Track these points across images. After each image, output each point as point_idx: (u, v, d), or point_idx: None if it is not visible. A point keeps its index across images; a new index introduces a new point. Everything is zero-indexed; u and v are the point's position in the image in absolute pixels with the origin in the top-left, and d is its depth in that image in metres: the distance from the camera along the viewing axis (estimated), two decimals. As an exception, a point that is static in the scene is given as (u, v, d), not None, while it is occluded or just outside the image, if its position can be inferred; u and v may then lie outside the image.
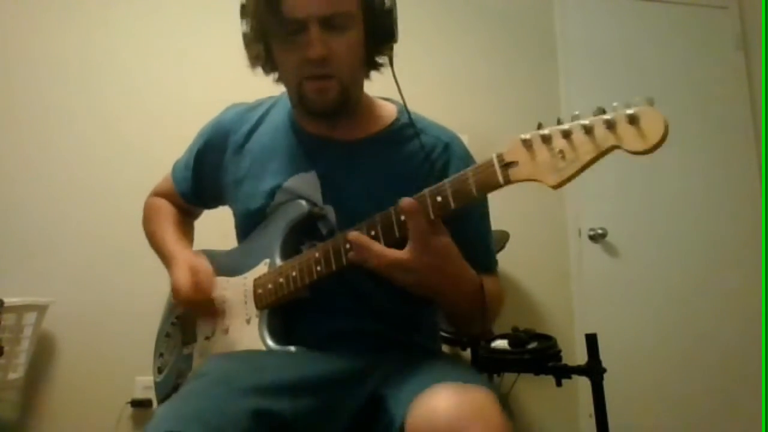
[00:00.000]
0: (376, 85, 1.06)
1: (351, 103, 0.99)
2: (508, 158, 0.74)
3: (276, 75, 1.03)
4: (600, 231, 2.57)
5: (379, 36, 0.96)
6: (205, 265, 1.05)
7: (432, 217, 0.81)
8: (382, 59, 1.00)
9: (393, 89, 1.01)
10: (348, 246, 0.87)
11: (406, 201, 0.81)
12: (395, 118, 1.06)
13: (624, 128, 0.65)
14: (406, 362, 0.89)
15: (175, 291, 1.05)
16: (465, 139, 1.14)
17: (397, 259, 0.82)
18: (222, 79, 2.25)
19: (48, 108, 2.20)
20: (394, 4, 0.96)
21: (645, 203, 2.62)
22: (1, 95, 2.17)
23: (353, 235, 0.85)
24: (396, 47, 0.98)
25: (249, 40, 0.98)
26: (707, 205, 2.71)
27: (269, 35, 0.95)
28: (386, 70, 1.02)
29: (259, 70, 1.02)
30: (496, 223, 1.13)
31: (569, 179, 0.70)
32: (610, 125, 0.65)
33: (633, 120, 0.64)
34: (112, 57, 2.27)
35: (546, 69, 2.71)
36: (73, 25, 2.26)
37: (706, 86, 2.80)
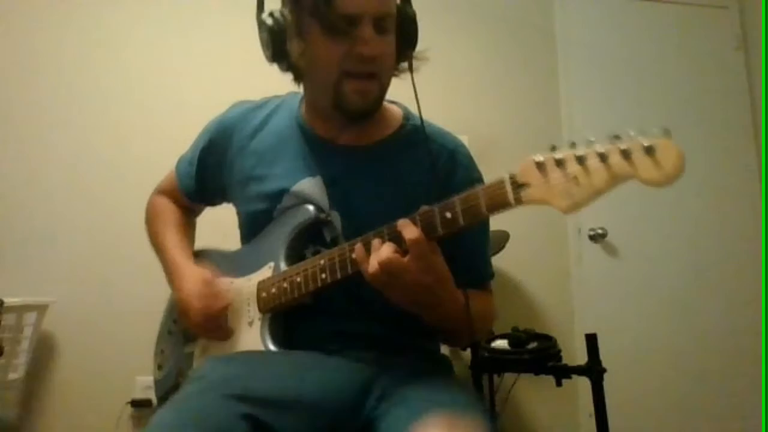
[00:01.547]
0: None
1: (380, 106, 1.00)
2: (520, 179, 0.73)
3: (291, 74, 1.02)
4: (600, 231, 2.57)
5: (406, 41, 0.97)
6: (213, 278, 1.04)
7: (440, 232, 0.80)
8: (403, 65, 1.00)
9: (389, 88, 1.01)
10: (354, 256, 0.87)
11: (408, 228, 0.81)
12: (401, 123, 1.05)
13: (640, 159, 0.64)
14: (403, 379, 0.88)
15: (185, 310, 1.04)
16: (465, 139, 1.14)
17: (393, 259, 0.80)
18: (223, 78, 2.26)
19: (48, 108, 2.20)
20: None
21: (645, 203, 2.62)
22: (1, 95, 2.17)
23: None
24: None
25: (282, 34, 0.95)
26: (707, 205, 2.71)
27: (309, 29, 0.93)
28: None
29: (263, 67, 1.01)
30: (496, 223, 1.13)
31: (582, 205, 0.69)
32: (626, 155, 0.64)
33: (649, 151, 0.63)
34: (113, 57, 2.27)
35: (546, 69, 2.71)
36: (73, 25, 2.26)
37: (706, 86, 2.81)
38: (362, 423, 0.85)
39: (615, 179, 0.66)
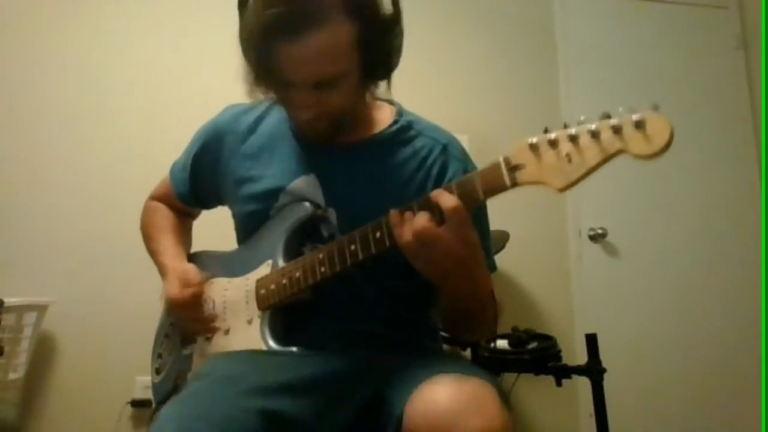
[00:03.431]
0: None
1: (347, 125, 0.99)
2: (514, 161, 0.74)
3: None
4: (600, 231, 2.57)
5: (376, 73, 0.95)
6: (194, 275, 1.07)
7: (438, 218, 0.80)
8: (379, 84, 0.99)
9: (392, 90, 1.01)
10: (353, 247, 0.87)
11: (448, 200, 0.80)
12: (393, 120, 1.06)
13: (630, 133, 0.65)
14: (407, 361, 0.89)
15: (168, 305, 1.08)
16: (465, 139, 1.14)
17: (429, 228, 0.79)
18: (223, 79, 2.26)
19: (48, 108, 2.20)
20: (396, 34, 0.93)
21: (645, 203, 2.62)
22: (1, 95, 2.17)
23: (392, 213, 0.84)
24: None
25: (249, 78, 0.97)
26: (707, 205, 2.71)
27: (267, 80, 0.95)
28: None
29: None
30: (496, 223, 1.13)
31: (576, 183, 0.70)
32: (617, 130, 0.66)
33: (639, 125, 0.64)
34: (113, 57, 2.27)
35: (546, 69, 2.71)
36: (73, 25, 2.26)
37: (706, 86, 2.80)
38: (369, 398, 0.85)
39: (606, 154, 0.67)
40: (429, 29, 2.57)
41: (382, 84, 1.00)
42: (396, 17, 0.92)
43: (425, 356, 0.93)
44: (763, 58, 2.85)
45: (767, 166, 2.78)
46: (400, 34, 0.94)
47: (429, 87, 2.48)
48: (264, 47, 0.86)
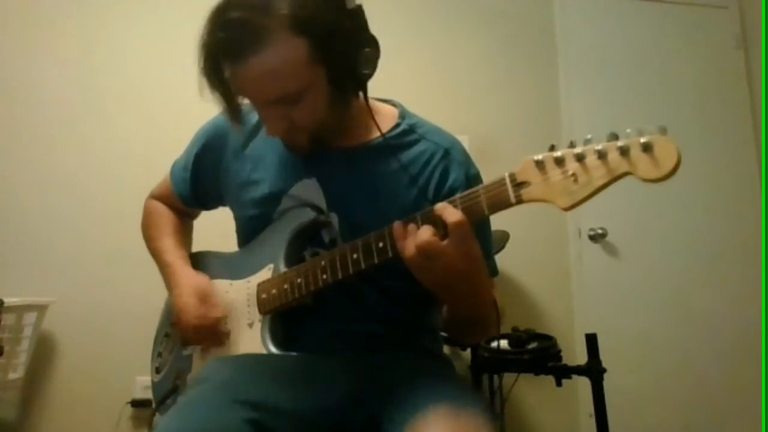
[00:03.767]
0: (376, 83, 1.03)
1: (329, 130, 0.97)
2: (520, 178, 0.74)
3: None
4: (600, 231, 2.57)
5: (345, 85, 0.92)
6: (209, 288, 1.05)
7: (442, 232, 0.80)
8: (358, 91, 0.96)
9: (389, 88, 1.00)
10: (355, 256, 0.87)
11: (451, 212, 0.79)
12: (396, 123, 1.04)
13: (637, 155, 0.65)
14: (404, 378, 0.89)
15: (179, 319, 1.05)
16: (465, 139, 1.13)
17: (432, 242, 0.78)
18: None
19: (48, 108, 2.19)
20: (360, 43, 0.88)
21: (645, 203, 2.62)
22: (1, 95, 2.17)
23: (396, 224, 0.83)
24: (398, 49, 0.97)
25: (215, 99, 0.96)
26: (707, 205, 2.71)
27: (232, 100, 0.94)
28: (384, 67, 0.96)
29: None
30: (496, 223, 1.13)
31: (581, 202, 0.70)
32: (624, 151, 0.66)
33: (647, 147, 0.65)
34: (113, 57, 2.27)
35: (546, 70, 2.71)
36: (73, 25, 2.26)
37: (706, 86, 2.80)
38: (365, 424, 0.85)
39: (613, 176, 0.68)
40: (429, 29, 2.56)
41: (381, 84, 0.99)
42: (356, 27, 0.88)
43: (422, 373, 0.92)
44: (763, 58, 2.85)
45: (767, 166, 2.78)
46: (371, 42, 0.89)
47: (429, 87, 2.48)
48: (215, 71, 0.87)
